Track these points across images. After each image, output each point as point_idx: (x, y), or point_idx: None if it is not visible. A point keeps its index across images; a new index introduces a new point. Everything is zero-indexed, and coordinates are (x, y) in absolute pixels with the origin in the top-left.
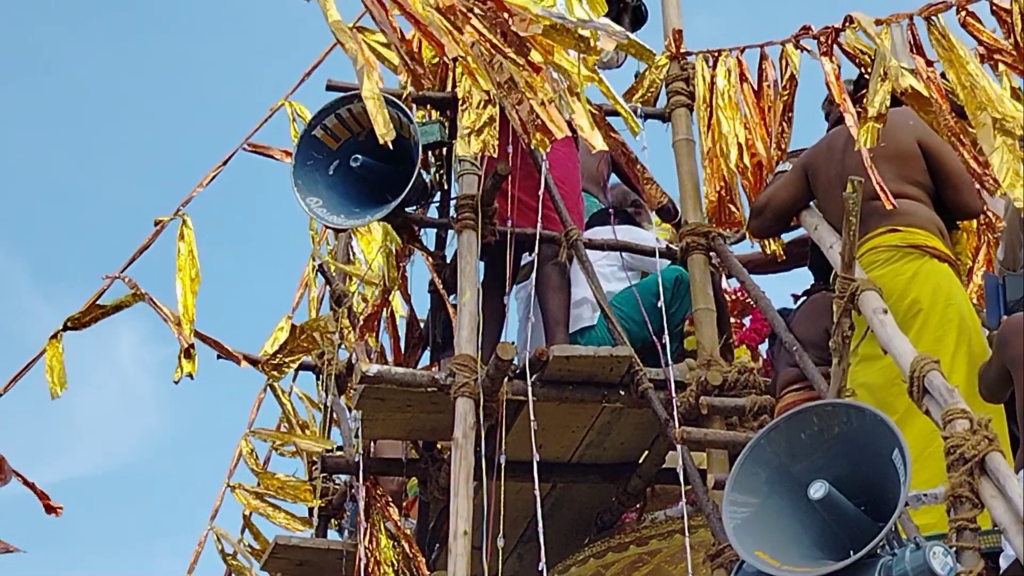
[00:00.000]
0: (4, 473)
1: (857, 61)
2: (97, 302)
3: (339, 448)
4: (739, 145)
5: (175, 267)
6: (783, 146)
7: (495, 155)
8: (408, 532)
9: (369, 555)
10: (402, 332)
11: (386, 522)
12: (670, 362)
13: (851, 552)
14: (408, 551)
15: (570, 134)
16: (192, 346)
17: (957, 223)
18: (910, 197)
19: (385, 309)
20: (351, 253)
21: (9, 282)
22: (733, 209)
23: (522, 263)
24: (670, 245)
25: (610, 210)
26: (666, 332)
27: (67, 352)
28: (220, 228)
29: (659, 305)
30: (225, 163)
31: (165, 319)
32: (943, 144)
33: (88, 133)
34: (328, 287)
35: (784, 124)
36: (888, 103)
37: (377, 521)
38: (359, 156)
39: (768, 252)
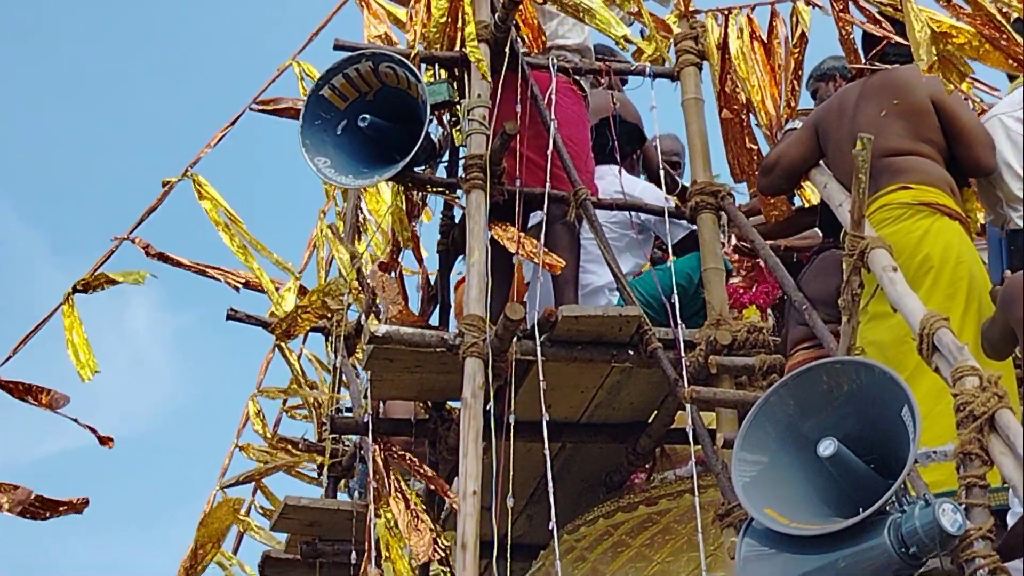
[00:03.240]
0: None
1: (871, 16)
2: (107, 270)
3: (348, 409)
4: (750, 102)
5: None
6: (793, 104)
7: None
8: (416, 493)
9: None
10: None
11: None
12: (679, 321)
13: (860, 510)
14: (417, 512)
15: (580, 92)
16: (251, 285)
17: (968, 180)
18: (922, 155)
19: (395, 269)
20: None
21: (27, 253)
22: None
23: (530, 223)
24: (678, 205)
25: (615, 152)
26: (674, 289)
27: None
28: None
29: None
30: (233, 123)
31: (188, 268)
32: (956, 100)
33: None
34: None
35: (794, 82)
36: (934, 50)
37: (388, 482)
38: (367, 116)
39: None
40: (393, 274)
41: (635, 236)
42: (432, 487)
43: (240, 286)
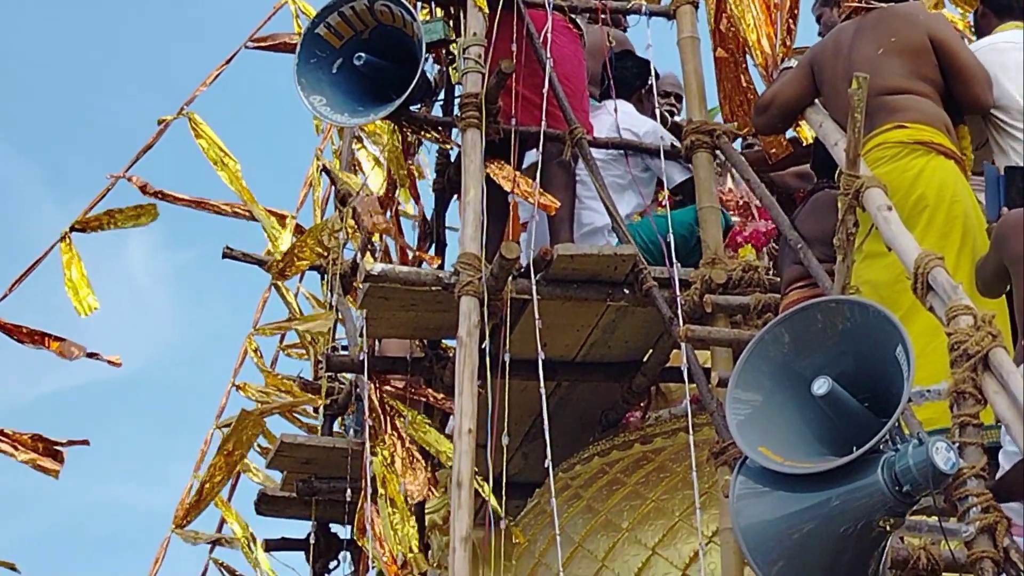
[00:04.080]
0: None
1: None
2: (108, 208)
3: (344, 347)
4: (746, 41)
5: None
6: (789, 43)
7: None
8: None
9: (376, 454)
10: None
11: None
12: (674, 260)
13: (854, 448)
14: (412, 451)
15: (576, 30)
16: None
17: (963, 117)
18: (919, 93)
19: (391, 207)
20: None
21: (22, 189)
22: (746, 107)
23: (526, 162)
24: (674, 144)
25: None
26: (670, 229)
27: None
28: (223, 128)
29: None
30: (228, 61)
31: (187, 204)
32: (954, 37)
33: (96, 37)
34: (333, 186)
35: (790, 21)
36: None
37: (384, 420)
38: (362, 54)
39: (770, 149)
40: (389, 213)
41: (638, 174)
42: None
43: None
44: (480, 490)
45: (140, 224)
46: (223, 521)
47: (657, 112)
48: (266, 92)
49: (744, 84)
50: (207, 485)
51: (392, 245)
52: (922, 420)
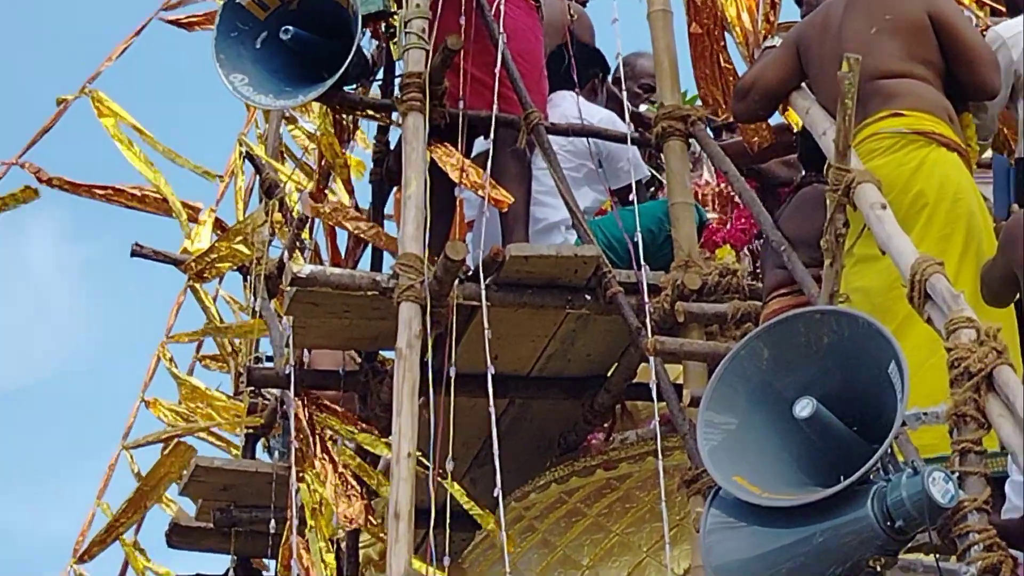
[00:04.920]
0: None
1: None
2: None
3: (269, 358)
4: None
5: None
6: (772, 19)
7: None
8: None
9: (303, 479)
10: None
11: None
12: (643, 263)
13: (841, 478)
14: (346, 476)
15: (533, 1)
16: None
17: (968, 105)
18: (917, 77)
19: (322, 200)
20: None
21: None
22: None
23: (475, 151)
24: (643, 131)
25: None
26: (638, 228)
27: None
28: (133, 108)
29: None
30: (137, 34)
31: (87, 194)
32: (957, 14)
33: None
34: (258, 176)
35: None
36: None
37: (313, 442)
38: (290, 27)
39: (752, 139)
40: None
41: (593, 167)
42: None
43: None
44: None
45: (17, 205)
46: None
47: (627, 106)
48: (183, 69)
49: (722, 64)
50: (118, 521)
51: (324, 244)
52: (918, 446)
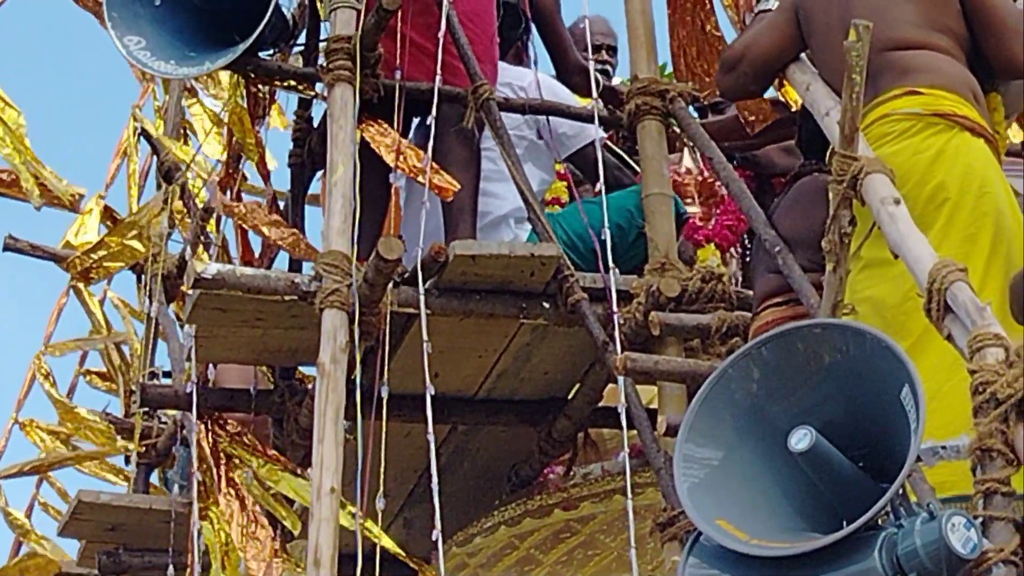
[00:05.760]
0: None
1: None
2: None
3: (166, 374)
4: None
5: None
6: None
7: None
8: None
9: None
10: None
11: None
12: (611, 264)
13: (844, 523)
14: (255, 514)
15: None
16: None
17: (996, 84)
18: (937, 49)
19: (232, 186)
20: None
21: None
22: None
23: (415, 129)
24: (612, 109)
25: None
26: (606, 224)
27: None
28: (8, 79)
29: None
30: None
31: None
32: None
33: None
34: (155, 157)
35: None
36: None
37: (218, 473)
38: None
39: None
40: (229, 194)
41: (536, 140)
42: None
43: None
44: None
45: None
46: None
47: (593, 76)
48: (63, 31)
49: (707, 31)
50: None
51: (233, 238)
52: (935, 485)
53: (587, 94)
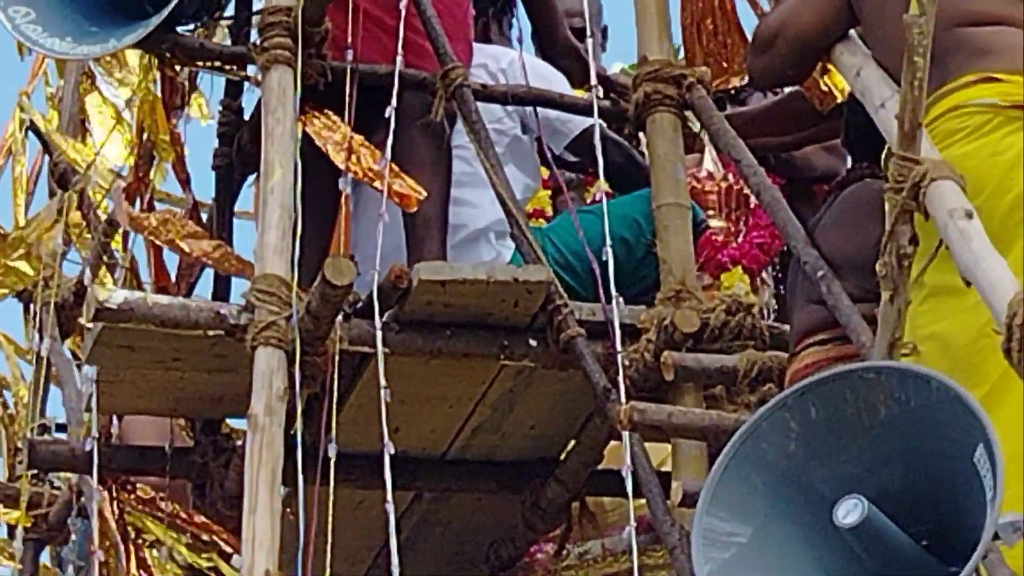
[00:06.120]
0: None
1: None
2: None
3: (61, 426)
4: None
5: None
6: None
7: None
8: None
9: None
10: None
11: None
12: (613, 291)
13: None
14: None
15: None
16: None
17: None
18: (1020, 24)
19: (143, 194)
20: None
21: None
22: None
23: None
24: (615, 99)
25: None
26: (607, 241)
27: None
28: None
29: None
30: None
31: None
32: None
33: None
34: (47, 156)
35: None
36: None
37: (125, 551)
38: None
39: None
40: (138, 204)
41: (520, 135)
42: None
43: None
44: None
45: None
46: None
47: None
48: None
49: (726, 3)
50: None
51: (144, 258)
52: (1017, 570)
53: (579, 82)
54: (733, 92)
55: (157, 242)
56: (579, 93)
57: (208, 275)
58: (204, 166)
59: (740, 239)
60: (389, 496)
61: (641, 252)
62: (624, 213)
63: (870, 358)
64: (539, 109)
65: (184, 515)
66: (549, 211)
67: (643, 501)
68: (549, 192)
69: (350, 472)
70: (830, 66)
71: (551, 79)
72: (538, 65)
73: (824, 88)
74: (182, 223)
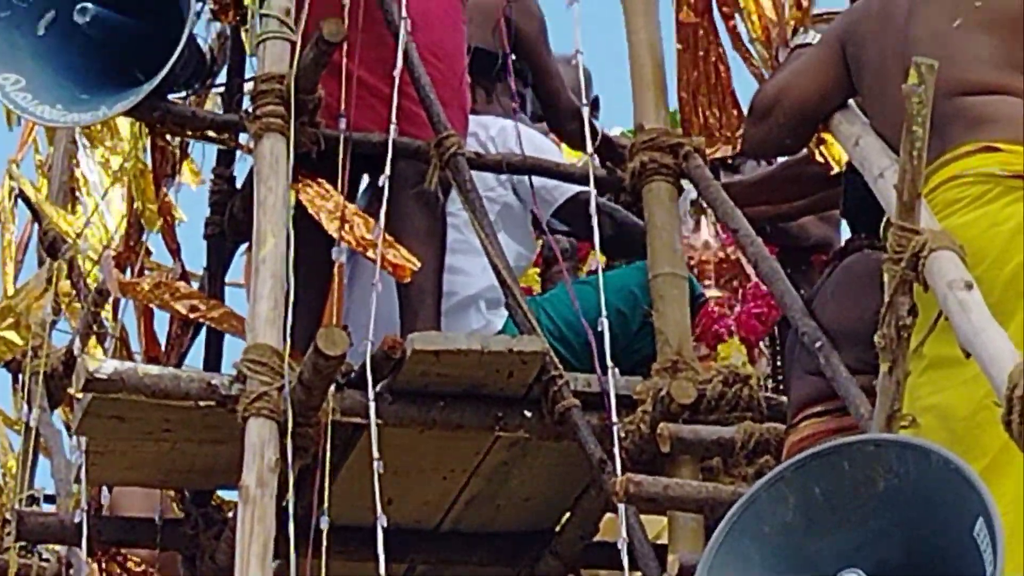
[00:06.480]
0: None
1: None
2: None
3: (50, 497)
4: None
5: None
6: (806, 3)
7: None
8: None
9: None
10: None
11: None
12: (609, 362)
13: None
14: None
15: None
16: None
17: None
18: (1018, 93)
19: (133, 263)
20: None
21: None
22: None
23: (361, 190)
24: (611, 168)
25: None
26: (603, 312)
27: None
28: None
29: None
30: None
31: None
32: None
33: None
34: (36, 225)
35: None
36: None
37: None
38: (89, 4)
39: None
40: (129, 272)
41: (511, 201)
42: None
43: None
44: None
45: None
46: None
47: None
48: None
49: (721, 72)
50: None
51: (134, 328)
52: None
53: (583, 145)
54: (724, 160)
55: (151, 305)
56: (578, 155)
57: (199, 344)
58: (196, 234)
59: (737, 309)
60: (382, 569)
61: (637, 324)
62: (620, 285)
63: (869, 430)
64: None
65: None
66: (537, 289)
67: (639, 574)
68: (538, 271)
69: (343, 544)
70: (826, 136)
71: (544, 148)
72: (531, 134)
73: (821, 159)
74: (174, 286)
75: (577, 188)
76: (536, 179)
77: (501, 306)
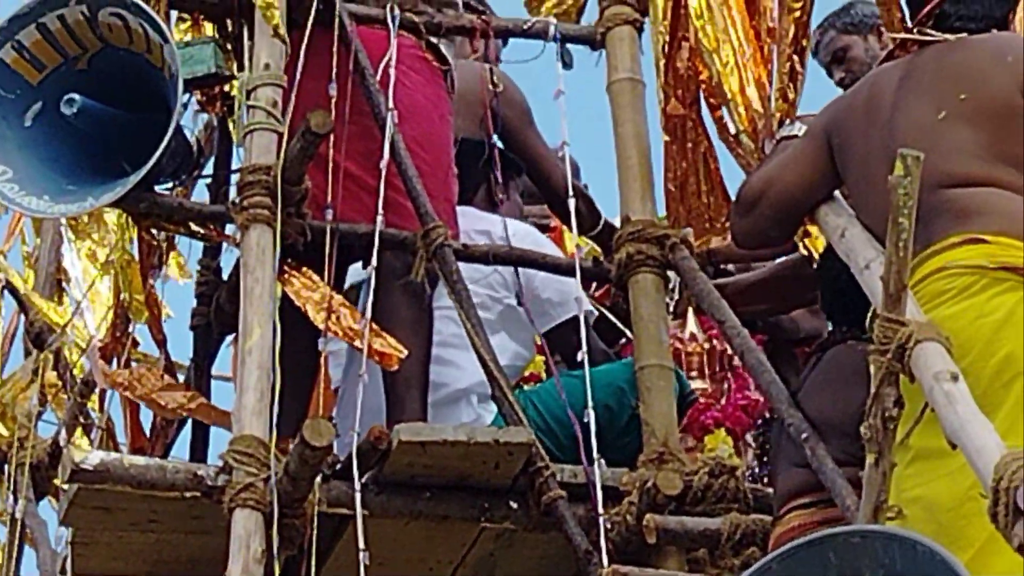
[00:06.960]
0: None
1: None
2: None
3: None
4: (719, 88)
5: None
6: (791, 96)
7: None
8: None
9: None
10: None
11: None
12: (595, 454)
13: None
14: None
15: (438, 64)
16: None
17: None
18: (1005, 185)
19: (119, 354)
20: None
21: None
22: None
23: (348, 282)
24: (598, 259)
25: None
26: (590, 404)
27: None
28: None
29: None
30: None
31: None
32: None
33: None
34: (23, 316)
35: (795, 58)
36: None
37: None
38: (76, 96)
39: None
40: (115, 364)
41: (513, 304)
42: None
43: None
44: None
45: None
46: None
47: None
48: None
49: (710, 164)
50: None
51: (120, 419)
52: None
53: (589, 227)
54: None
55: (132, 397)
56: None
57: (185, 435)
58: (182, 325)
59: (723, 401)
60: None
61: (624, 418)
62: (608, 380)
63: (855, 522)
64: (536, 289)
65: None
66: (544, 376)
67: None
68: (544, 358)
69: None
70: (811, 228)
71: (543, 245)
72: (537, 236)
73: (805, 251)
74: (157, 377)
75: (574, 312)
76: (543, 292)
77: (491, 400)
